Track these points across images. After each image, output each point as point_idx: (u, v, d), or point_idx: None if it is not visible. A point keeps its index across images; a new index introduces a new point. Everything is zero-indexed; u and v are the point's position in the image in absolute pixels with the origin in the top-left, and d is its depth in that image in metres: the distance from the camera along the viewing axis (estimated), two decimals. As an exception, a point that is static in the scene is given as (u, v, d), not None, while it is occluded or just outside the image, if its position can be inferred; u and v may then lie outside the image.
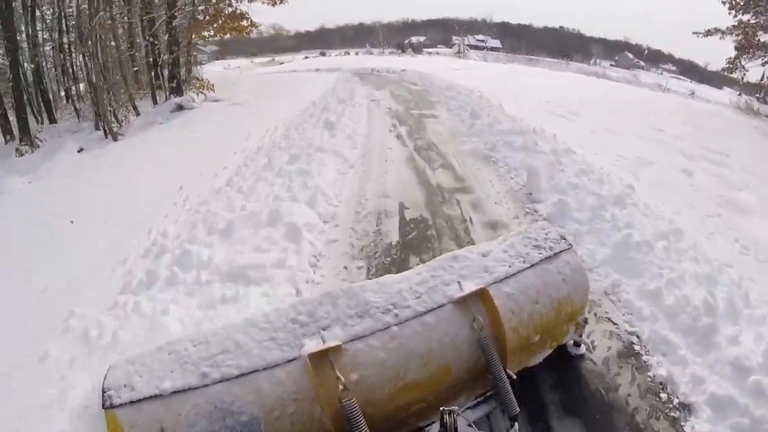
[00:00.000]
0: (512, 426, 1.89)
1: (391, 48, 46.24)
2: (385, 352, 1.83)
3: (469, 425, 1.79)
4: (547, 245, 2.35)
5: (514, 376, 2.00)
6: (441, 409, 1.74)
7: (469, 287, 2.04)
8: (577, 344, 2.46)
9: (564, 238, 2.41)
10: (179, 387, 1.61)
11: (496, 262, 2.22)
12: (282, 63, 40.93)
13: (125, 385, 1.59)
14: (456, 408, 1.78)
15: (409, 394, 1.86)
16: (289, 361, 1.72)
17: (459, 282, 2.07)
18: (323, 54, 51.93)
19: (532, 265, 2.23)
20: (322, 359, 1.73)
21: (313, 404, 1.69)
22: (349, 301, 1.95)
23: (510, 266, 2.20)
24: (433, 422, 1.86)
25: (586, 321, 2.36)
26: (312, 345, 1.75)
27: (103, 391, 1.57)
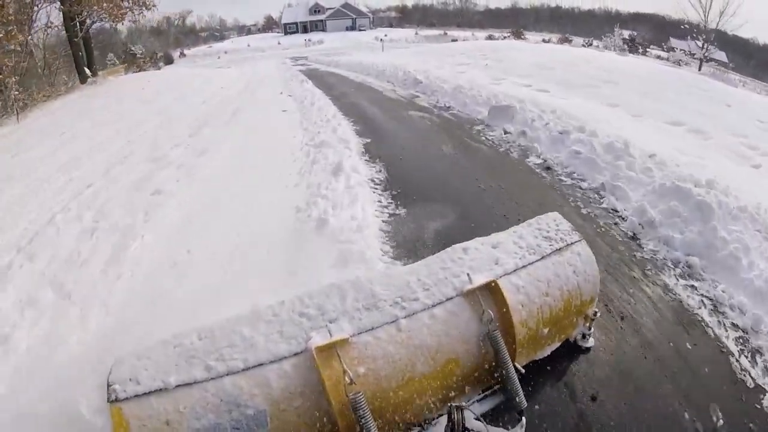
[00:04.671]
0: (520, 420, 1.88)
1: (598, 41, 33.74)
2: (393, 345, 1.81)
3: (477, 418, 1.77)
4: (558, 237, 2.30)
5: (522, 371, 1.98)
6: (449, 405, 1.73)
7: (479, 280, 2.00)
8: (585, 336, 2.43)
9: (575, 230, 2.36)
10: (185, 380, 1.59)
11: (506, 254, 2.18)
12: (455, 40, 31.24)
13: (130, 379, 1.57)
14: (464, 404, 1.77)
15: (417, 388, 1.84)
16: (296, 354, 1.70)
17: (468, 274, 2.03)
18: (520, 35, 36.21)
19: (543, 257, 2.18)
20: (329, 352, 1.70)
21: (320, 397, 1.67)
22: (356, 293, 1.91)
23: (520, 258, 2.15)
24: (441, 415, 1.85)
25: (595, 314, 2.32)
26: (319, 338, 1.72)
27: (109, 385, 1.55)
